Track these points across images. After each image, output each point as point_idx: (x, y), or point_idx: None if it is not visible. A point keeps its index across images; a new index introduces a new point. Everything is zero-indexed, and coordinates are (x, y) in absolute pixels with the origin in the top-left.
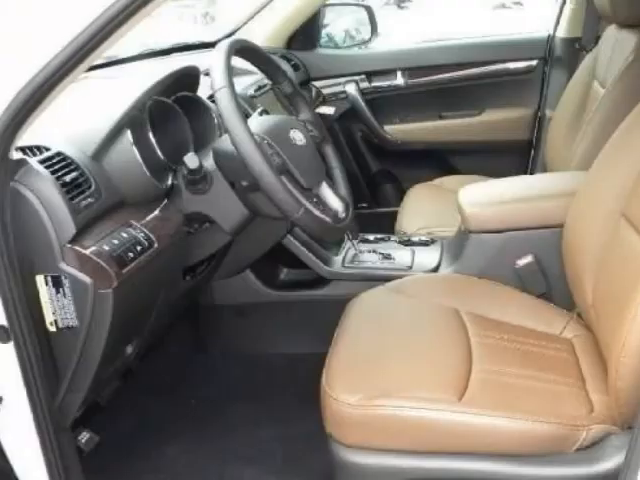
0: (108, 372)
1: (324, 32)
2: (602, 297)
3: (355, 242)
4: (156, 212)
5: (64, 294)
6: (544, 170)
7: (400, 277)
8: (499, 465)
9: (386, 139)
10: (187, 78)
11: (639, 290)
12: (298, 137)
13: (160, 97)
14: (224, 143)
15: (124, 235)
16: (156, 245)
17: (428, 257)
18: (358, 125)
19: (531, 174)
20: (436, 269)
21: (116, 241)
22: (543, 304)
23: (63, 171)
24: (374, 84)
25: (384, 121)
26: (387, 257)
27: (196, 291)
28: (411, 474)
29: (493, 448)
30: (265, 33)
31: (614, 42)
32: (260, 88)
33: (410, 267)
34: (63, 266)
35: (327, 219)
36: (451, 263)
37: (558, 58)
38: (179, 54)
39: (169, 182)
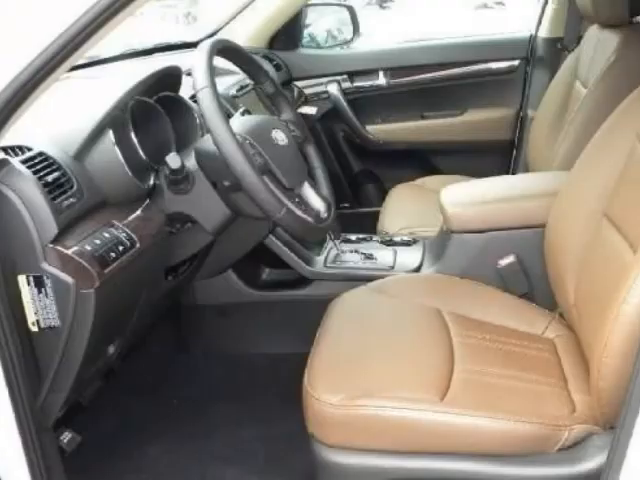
0: (90, 372)
1: (306, 32)
2: (584, 297)
3: (337, 242)
4: (138, 212)
5: (46, 294)
6: (526, 170)
7: (382, 277)
8: (481, 465)
9: (368, 139)
10: (169, 78)
11: (621, 290)
12: (280, 137)
13: (142, 97)
14: (206, 143)
15: (106, 235)
16: (138, 245)
17: (410, 257)
18: (340, 125)
19: (513, 174)
20: (418, 269)
21: (98, 241)
22: (525, 304)
23: (45, 171)
24: (356, 84)
25: (366, 121)
26: (369, 257)
27: (178, 291)
28: (393, 474)
29: (475, 448)
30: (247, 33)
31: (596, 42)
32: (242, 88)
33: (392, 267)
34: (45, 266)
35: (309, 219)
36: (433, 263)
37: (540, 58)
38: (161, 54)
39: (151, 182)
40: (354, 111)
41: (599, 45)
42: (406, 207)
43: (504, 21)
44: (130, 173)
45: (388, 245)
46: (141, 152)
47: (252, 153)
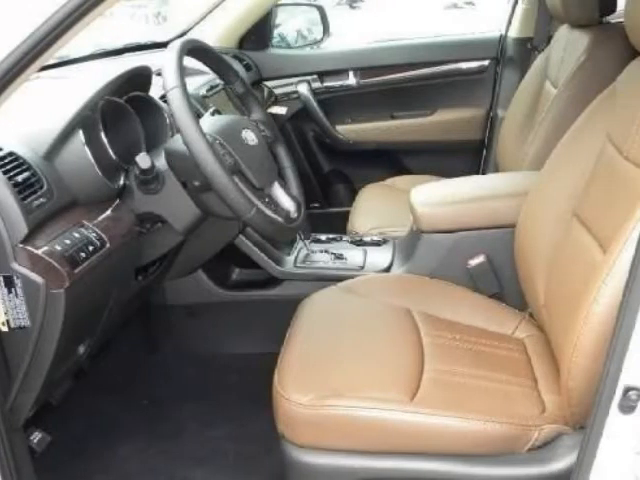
0: (60, 372)
1: (276, 32)
2: (554, 297)
3: (307, 242)
4: (108, 212)
5: (16, 294)
6: (496, 170)
7: (352, 277)
8: (451, 465)
9: (338, 139)
10: (139, 78)
11: (591, 290)
12: (250, 137)
13: (112, 97)
14: (176, 143)
15: (76, 235)
16: (108, 245)
17: (380, 257)
18: (310, 125)
19: (483, 174)
20: (388, 269)
21: (68, 241)
22: (495, 304)
23: (15, 171)
24: (326, 84)
25: (336, 121)
26: (339, 257)
27: (148, 291)
28: (363, 474)
29: (445, 448)
30: (217, 33)
31: (566, 42)
32: (212, 88)
33: (362, 267)
34: (15, 266)
35: (279, 219)
36: (403, 263)
37: (510, 58)
38: (131, 54)
39: (121, 182)
40: (324, 111)
41: (569, 45)
42: (376, 207)
43: (474, 21)
44: (100, 173)
45: (358, 245)
46: (111, 152)
47: (222, 153)
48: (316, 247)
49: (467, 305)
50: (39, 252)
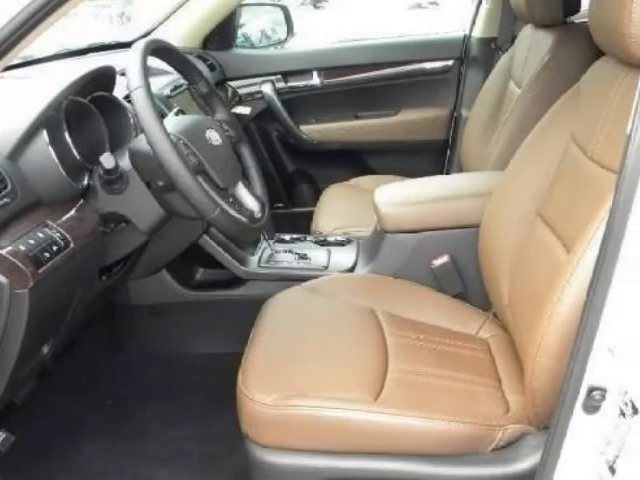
0: (24, 372)
1: (240, 32)
2: (518, 297)
3: (271, 242)
4: (72, 212)
5: None
6: (460, 170)
7: (316, 277)
8: (415, 465)
9: (302, 139)
10: (103, 78)
11: (555, 290)
12: (214, 137)
13: (76, 97)
14: (140, 143)
15: (40, 235)
16: (72, 245)
17: (344, 257)
18: (274, 125)
19: (447, 174)
20: (352, 269)
21: (32, 241)
22: (459, 304)
23: None
24: (290, 84)
25: (300, 121)
26: (303, 257)
27: (112, 291)
28: (327, 474)
29: (409, 448)
30: (181, 33)
31: (530, 42)
32: (176, 88)
33: (326, 267)
34: None
35: (243, 219)
36: (367, 263)
37: (474, 58)
38: (95, 54)
39: (85, 182)
40: (288, 111)
41: (533, 45)
42: (340, 207)
43: (438, 21)
44: (64, 173)
45: (322, 245)
46: (75, 152)
47: (186, 153)
48: (280, 247)
49: (431, 305)
50: (3, 252)
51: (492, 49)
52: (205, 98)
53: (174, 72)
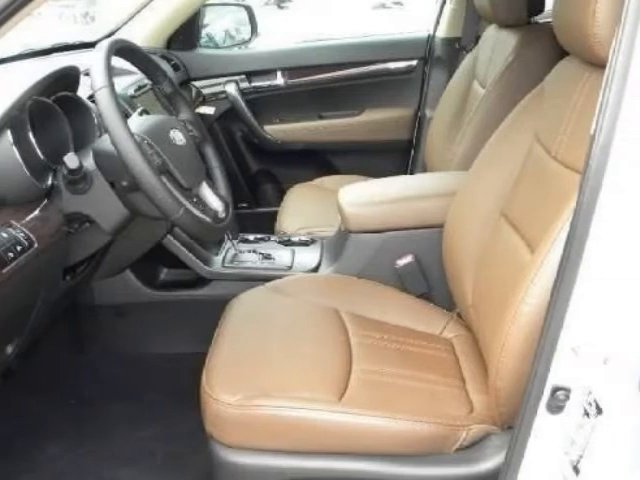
0: None
1: (204, 32)
2: (482, 297)
3: (235, 242)
4: (36, 212)
5: None
6: (424, 170)
7: (280, 277)
8: (380, 465)
9: (266, 139)
10: (67, 78)
11: (519, 290)
12: (178, 137)
13: (40, 97)
14: (104, 143)
15: (4, 235)
16: (36, 245)
17: (308, 257)
18: (238, 125)
19: (411, 174)
20: (316, 269)
21: None
22: (423, 304)
23: None
24: (254, 84)
25: (264, 121)
26: (267, 257)
27: (76, 291)
28: (291, 474)
29: (373, 448)
30: (145, 33)
31: (494, 42)
32: (140, 88)
33: (290, 267)
34: None
35: (207, 219)
36: (331, 263)
37: (438, 58)
38: (59, 54)
39: (49, 182)
40: (252, 111)
41: (497, 45)
42: (304, 207)
43: (402, 21)
44: (28, 173)
45: (286, 245)
46: (39, 152)
47: (150, 153)
48: (244, 247)
49: (395, 305)
50: None
51: (456, 49)
52: (169, 98)
53: (138, 72)
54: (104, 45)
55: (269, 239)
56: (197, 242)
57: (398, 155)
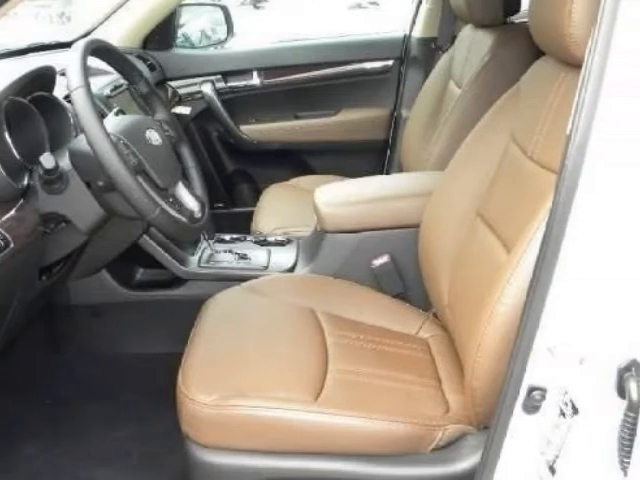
0: None
1: (180, 32)
2: (458, 297)
3: (211, 242)
4: (12, 212)
5: None
6: (400, 170)
7: (256, 277)
8: (356, 465)
9: (242, 139)
10: (43, 78)
11: (495, 290)
12: (154, 137)
13: (16, 97)
14: (80, 143)
15: None
16: (12, 245)
17: (284, 257)
18: (214, 125)
19: (387, 174)
20: (292, 269)
21: None
22: (399, 304)
23: None
24: (230, 84)
25: (240, 121)
26: (243, 257)
27: (52, 291)
28: (268, 474)
29: (349, 448)
30: (121, 33)
31: (470, 42)
32: (116, 88)
33: (266, 267)
34: None
35: (183, 219)
36: (307, 263)
37: (414, 58)
38: (35, 54)
39: (25, 182)
40: (228, 111)
41: (473, 45)
42: (280, 207)
43: (378, 21)
44: (4, 173)
45: (262, 245)
46: (15, 152)
47: (126, 153)
48: (220, 247)
49: (371, 305)
50: None
51: (432, 49)
52: (145, 98)
53: (114, 72)
54: (80, 45)
55: (245, 239)
56: (173, 242)
57: (374, 155)
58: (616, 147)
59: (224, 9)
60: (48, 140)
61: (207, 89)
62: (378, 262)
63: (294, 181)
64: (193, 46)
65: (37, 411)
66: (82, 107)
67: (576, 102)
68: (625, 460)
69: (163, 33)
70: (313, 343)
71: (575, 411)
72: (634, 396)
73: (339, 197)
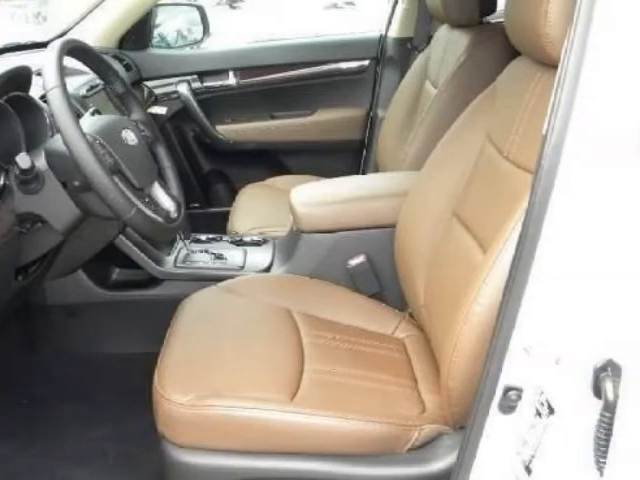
0: None
1: (156, 32)
2: (434, 297)
3: (187, 242)
4: None
5: None
6: (376, 170)
7: (232, 277)
8: (332, 465)
9: (218, 139)
10: (19, 78)
11: (471, 290)
12: (130, 137)
13: None
14: (56, 143)
15: None
16: None
17: (260, 257)
18: (190, 125)
19: (363, 174)
20: (268, 269)
21: None
22: (375, 304)
23: None
24: (206, 84)
25: (216, 121)
26: (219, 257)
27: (28, 291)
28: (244, 474)
29: (325, 448)
30: (97, 33)
31: (446, 42)
32: (92, 88)
33: (242, 267)
34: None
35: (159, 219)
36: (283, 263)
37: (390, 58)
38: (11, 54)
39: (1, 182)
40: (204, 111)
41: (449, 45)
42: (256, 207)
43: (355, 21)
44: None
45: (238, 245)
46: None
47: (102, 153)
48: (196, 247)
49: (347, 305)
50: None
51: (408, 49)
52: (121, 98)
53: (90, 72)
54: (56, 45)
55: (221, 239)
56: (149, 242)
57: (350, 155)
58: (592, 147)
59: (200, 9)
60: (24, 140)
61: (183, 89)
62: (354, 262)
63: (270, 181)
64: (169, 46)
65: (13, 411)
66: (58, 107)
67: (552, 102)
68: (601, 460)
69: (139, 33)
70: (289, 343)
71: (551, 411)
72: (610, 396)
73: (315, 197)
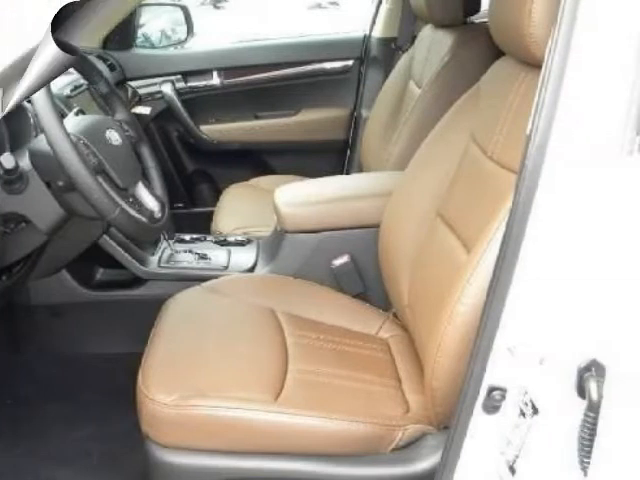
0: None
1: (140, 32)
2: (418, 297)
3: (171, 242)
4: None
5: None
6: (360, 170)
7: (216, 277)
8: (316, 465)
9: (202, 139)
10: None
11: (455, 290)
12: (114, 137)
13: None
14: (40, 143)
15: None
16: None
17: (244, 257)
18: (174, 125)
19: (347, 174)
20: (252, 269)
21: None
22: (359, 304)
23: None
24: (190, 84)
25: (200, 121)
26: (203, 257)
27: (12, 291)
28: (228, 474)
29: (310, 448)
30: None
31: (430, 42)
32: (76, 88)
33: (226, 267)
34: None
35: (143, 219)
36: (267, 263)
37: (374, 58)
38: None
39: None
40: (188, 111)
41: (433, 45)
42: (240, 207)
43: (339, 21)
44: None
45: (222, 245)
46: None
47: (86, 153)
48: (180, 247)
49: (331, 305)
50: None
51: (392, 49)
52: (105, 98)
53: (74, 72)
54: None
55: (205, 239)
56: (133, 242)
57: (334, 155)
58: (576, 147)
59: (184, 9)
60: (8, 140)
61: (167, 89)
62: (338, 262)
63: (254, 181)
64: (153, 46)
65: None
66: (42, 107)
67: (536, 102)
68: (585, 460)
69: (123, 33)
70: (273, 343)
71: (535, 411)
72: (594, 396)
73: (299, 197)
